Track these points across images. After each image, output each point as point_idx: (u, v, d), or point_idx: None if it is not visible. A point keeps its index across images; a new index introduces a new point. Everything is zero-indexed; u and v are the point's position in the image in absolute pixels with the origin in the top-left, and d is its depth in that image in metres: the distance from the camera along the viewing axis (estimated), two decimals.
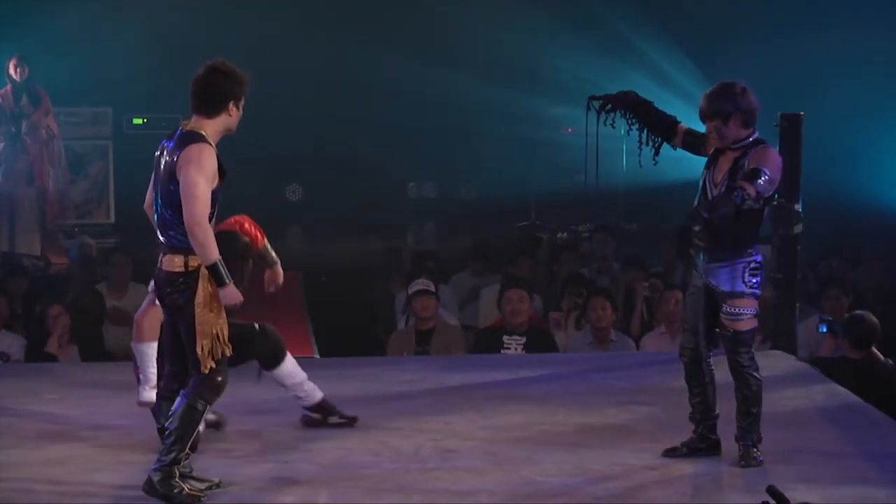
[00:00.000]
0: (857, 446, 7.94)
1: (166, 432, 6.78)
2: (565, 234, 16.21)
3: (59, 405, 8.70)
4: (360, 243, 16.12)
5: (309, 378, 8.77)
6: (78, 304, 11.46)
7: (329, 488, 7.16)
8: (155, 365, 7.82)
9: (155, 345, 7.78)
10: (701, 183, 7.48)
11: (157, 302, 7.02)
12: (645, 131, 7.54)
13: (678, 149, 7.56)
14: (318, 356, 11.40)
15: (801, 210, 10.07)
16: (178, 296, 6.74)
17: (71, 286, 12.66)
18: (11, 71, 14.58)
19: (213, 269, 6.71)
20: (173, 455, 6.71)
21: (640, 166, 7.59)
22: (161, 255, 6.81)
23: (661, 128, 7.54)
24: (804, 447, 7.88)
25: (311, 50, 17.10)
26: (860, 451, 7.84)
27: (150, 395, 7.79)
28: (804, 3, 16.78)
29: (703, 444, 7.64)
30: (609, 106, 7.49)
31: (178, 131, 6.89)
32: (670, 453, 7.65)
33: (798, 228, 10.11)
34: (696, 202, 7.47)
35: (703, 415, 7.63)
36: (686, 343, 7.64)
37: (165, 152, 6.82)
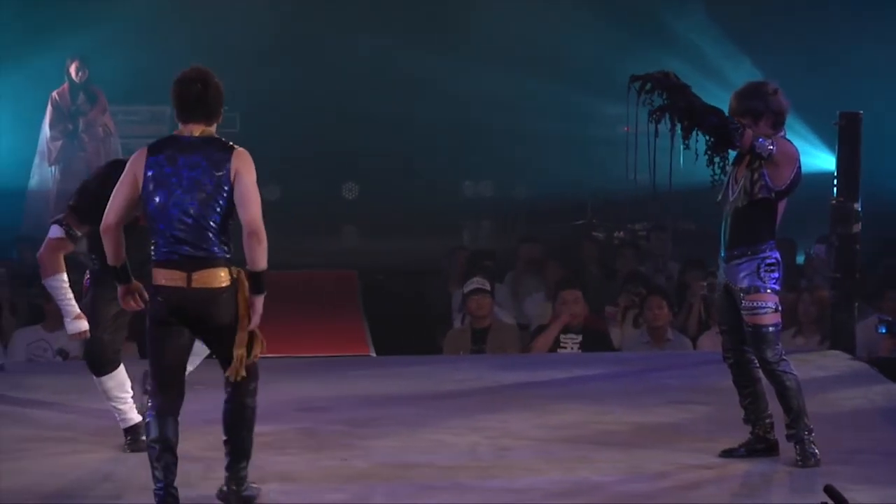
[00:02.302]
0: None
1: (232, 442, 6.66)
2: (622, 232, 16.17)
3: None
4: (416, 242, 16.15)
5: (363, 376, 8.81)
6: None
7: (384, 486, 7.19)
8: (71, 295, 7.79)
9: (63, 276, 7.74)
10: (728, 179, 7.49)
11: (160, 319, 6.58)
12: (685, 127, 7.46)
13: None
14: (374, 354, 11.43)
15: (860, 209, 10.02)
16: (224, 312, 6.53)
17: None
18: (72, 72, 14.70)
19: (262, 275, 6.60)
20: (247, 463, 6.69)
21: (680, 165, 7.57)
22: (188, 272, 6.47)
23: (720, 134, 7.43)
24: (862, 447, 7.85)
25: (366, 50, 17.14)
26: None
27: (79, 324, 7.80)
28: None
29: (760, 445, 7.61)
30: (649, 86, 7.45)
31: (188, 139, 6.59)
32: (728, 454, 7.63)
33: (857, 227, 10.05)
34: (719, 197, 7.51)
35: (757, 416, 7.61)
36: (727, 344, 7.62)
37: (199, 163, 6.53)
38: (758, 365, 7.49)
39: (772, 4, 17.09)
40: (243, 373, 6.59)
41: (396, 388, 9.41)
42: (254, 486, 6.76)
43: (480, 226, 17.30)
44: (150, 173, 6.50)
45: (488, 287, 11.25)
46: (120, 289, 6.78)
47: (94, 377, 7.85)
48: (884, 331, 10.63)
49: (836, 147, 10.12)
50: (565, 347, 10.98)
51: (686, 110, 7.28)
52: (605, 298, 12.42)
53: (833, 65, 16.27)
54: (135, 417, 7.85)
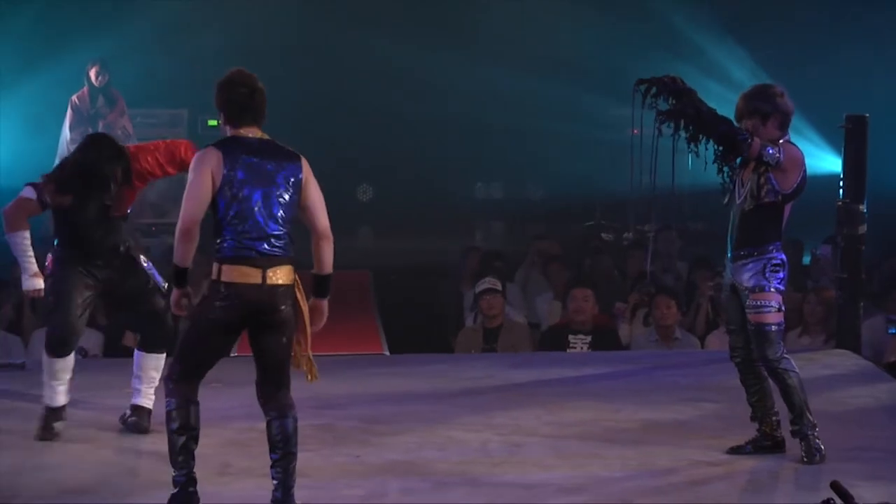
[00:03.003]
0: None
1: (291, 458, 6.57)
2: (630, 233, 16.17)
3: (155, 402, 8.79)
4: (429, 242, 16.16)
5: (377, 374, 8.79)
6: None
7: (399, 481, 7.21)
8: (31, 253, 7.95)
9: (26, 234, 7.89)
10: (734, 182, 7.52)
11: (223, 315, 6.52)
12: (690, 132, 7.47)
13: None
14: (387, 353, 11.45)
15: (865, 211, 10.03)
16: (288, 307, 6.57)
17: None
18: (92, 76, 14.73)
19: (329, 278, 6.74)
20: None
21: (681, 168, 7.60)
22: (263, 269, 6.48)
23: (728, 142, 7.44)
24: (868, 445, 7.86)
25: (381, 54, 17.16)
26: None
27: (35, 282, 7.95)
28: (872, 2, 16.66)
29: (767, 442, 7.63)
30: (654, 90, 7.47)
31: (254, 141, 6.66)
32: (735, 451, 7.65)
33: (863, 229, 10.05)
34: (725, 200, 7.53)
35: (764, 413, 7.63)
36: (734, 343, 7.65)
37: (270, 166, 6.60)
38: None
39: (779, 9, 17.07)
40: (316, 373, 6.75)
41: (410, 386, 9.43)
42: None
43: (492, 227, 17.31)
44: (227, 174, 6.51)
45: (499, 287, 11.27)
46: (177, 293, 6.67)
47: (48, 356, 7.96)
48: (893, 331, 10.64)
49: (843, 149, 10.12)
50: (575, 347, 10.99)
51: (693, 117, 7.29)
52: (614, 298, 12.43)
53: (840, 67, 16.24)
54: (63, 400, 7.99)
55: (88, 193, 7.85)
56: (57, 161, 14.67)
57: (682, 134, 7.33)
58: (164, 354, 8.03)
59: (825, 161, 15.09)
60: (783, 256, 7.47)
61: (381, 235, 17.07)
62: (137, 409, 8.08)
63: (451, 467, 7.46)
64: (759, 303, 7.39)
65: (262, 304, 6.50)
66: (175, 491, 6.55)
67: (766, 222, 7.42)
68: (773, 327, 7.41)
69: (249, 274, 6.48)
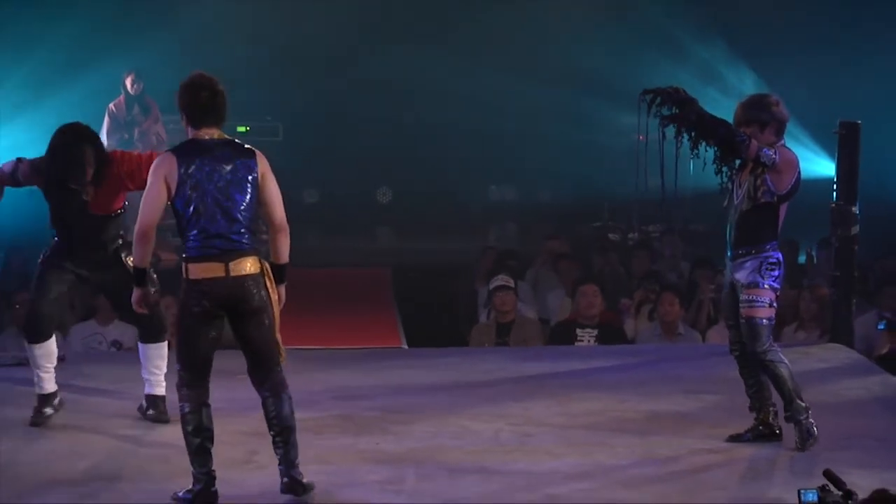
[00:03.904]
0: None
1: (288, 432, 6.61)
2: (636, 234, 16.15)
3: (165, 389, 8.78)
4: (445, 242, 16.16)
5: (396, 367, 8.74)
6: None
7: (415, 468, 7.20)
8: None
9: None
10: (732, 185, 7.49)
11: (199, 311, 6.55)
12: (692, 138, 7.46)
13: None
14: (406, 346, 11.44)
15: (858, 212, 10.00)
16: (257, 295, 6.55)
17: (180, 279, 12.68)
18: (128, 84, 14.74)
19: (285, 267, 6.72)
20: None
21: (684, 173, 7.59)
22: (226, 263, 6.49)
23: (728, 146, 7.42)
24: (860, 434, 7.83)
25: (398, 64, 17.15)
26: None
27: None
28: (863, 9, 16.55)
29: (766, 431, 7.62)
30: (659, 100, 7.46)
31: (210, 142, 6.59)
32: (735, 439, 7.64)
33: (855, 230, 10.02)
34: (725, 202, 7.51)
35: (762, 403, 7.62)
36: (733, 338, 7.64)
37: (226, 165, 6.55)
38: None
39: (776, 19, 17.02)
40: (285, 355, 6.69)
41: (427, 378, 9.41)
42: None
43: (505, 227, 17.28)
44: (182, 176, 6.49)
45: (512, 284, 11.25)
46: (138, 292, 6.78)
47: (26, 343, 8.01)
48: (882, 327, 10.60)
49: (836, 154, 10.09)
50: (582, 341, 10.97)
51: (694, 122, 7.28)
52: (620, 295, 12.41)
53: (833, 76, 16.18)
54: (51, 387, 8.02)
55: (61, 178, 7.81)
56: None
57: (685, 138, 7.31)
58: (164, 342, 8.07)
59: (820, 165, 15.04)
60: (779, 255, 7.46)
61: (399, 235, 17.06)
62: (152, 399, 8.09)
63: (466, 455, 7.45)
64: (751, 297, 7.39)
65: (230, 296, 6.52)
66: (199, 488, 6.56)
67: (763, 222, 7.41)
68: (763, 321, 7.39)
69: (213, 269, 6.51)
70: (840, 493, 4.78)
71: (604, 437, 7.82)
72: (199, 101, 6.65)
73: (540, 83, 16.87)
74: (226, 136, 6.69)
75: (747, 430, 7.65)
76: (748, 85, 16.68)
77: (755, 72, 16.80)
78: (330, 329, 11.70)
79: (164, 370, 8.01)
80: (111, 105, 14.80)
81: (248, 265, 6.54)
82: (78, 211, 7.90)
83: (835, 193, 10.02)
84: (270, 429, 6.62)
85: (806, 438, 7.38)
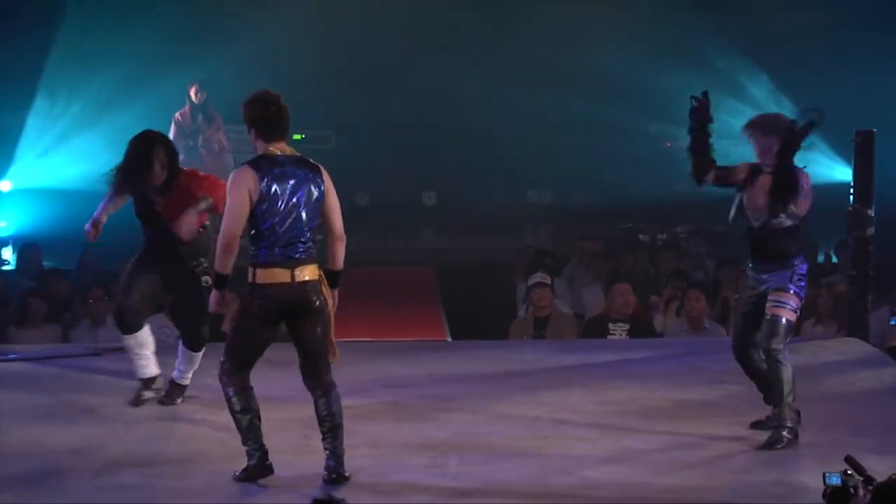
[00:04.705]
0: None
1: (338, 428, 6.60)
2: (664, 235, 16.09)
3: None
4: (486, 242, 16.16)
5: (440, 358, 8.71)
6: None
7: (458, 453, 7.19)
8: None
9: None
10: (737, 202, 7.43)
11: (263, 313, 6.58)
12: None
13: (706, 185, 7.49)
14: (449, 339, 11.44)
15: (873, 215, 9.94)
16: (318, 300, 6.58)
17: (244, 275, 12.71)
18: (192, 94, 14.79)
19: (340, 273, 6.78)
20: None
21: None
22: (291, 269, 6.51)
23: (702, 166, 7.47)
24: (875, 423, 7.78)
25: (443, 74, 17.15)
26: None
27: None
28: (879, 18, 16.41)
29: (774, 424, 7.54)
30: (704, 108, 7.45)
31: (282, 157, 6.65)
32: (756, 426, 7.59)
33: (870, 231, 9.97)
34: (731, 215, 7.45)
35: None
36: (734, 344, 7.64)
37: (297, 179, 6.59)
38: (762, 358, 7.44)
39: (792, 28, 16.90)
40: (338, 355, 6.71)
41: (469, 369, 9.41)
42: None
43: (541, 228, 17.27)
44: (263, 189, 6.51)
45: (549, 281, 11.23)
46: (216, 294, 6.75)
47: (121, 334, 8.21)
48: (894, 322, 10.55)
49: (853, 160, 10.04)
50: (614, 335, 10.94)
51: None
52: (649, 292, 12.37)
53: (849, 84, 16.04)
54: (150, 372, 8.19)
55: (132, 177, 7.96)
56: None
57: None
58: (201, 353, 8.25)
59: (837, 171, 14.94)
60: (805, 268, 7.41)
61: (444, 236, 17.06)
62: (177, 386, 8.26)
63: (504, 441, 7.44)
64: (780, 299, 7.33)
65: (293, 300, 6.55)
66: (253, 462, 6.61)
67: (792, 240, 7.36)
68: (786, 322, 7.33)
69: (279, 275, 6.53)
70: (861, 478, 4.75)
71: (634, 424, 7.80)
72: (268, 115, 6.69)
73: (575, 96, 16.83)
74: (295, 152, 6.72)
75: (767, 417, 7.60)
76: (767, 94, 16.58)
77: (775, 83, 16.69)
78: (379, 323, 11.70)
79: (193, 370, 8.27)
80: (177, 114, 14.86)
81: (310, 272, 6.57)
82: (152, 217, 8.00)
83: (851, 197, 9.97)
84: (321, 425, 6.63)
85: (773, 443, 7.28)
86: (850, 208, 10.00)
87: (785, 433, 7.28)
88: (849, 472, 4.79)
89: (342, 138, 17.45)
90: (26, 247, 14.39)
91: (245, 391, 6.64)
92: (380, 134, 17.44)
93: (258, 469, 6.61)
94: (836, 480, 4.75)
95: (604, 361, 9.65)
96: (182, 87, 15.04)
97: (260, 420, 6.65)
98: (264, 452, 6.63)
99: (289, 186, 6.55)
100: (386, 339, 10.79)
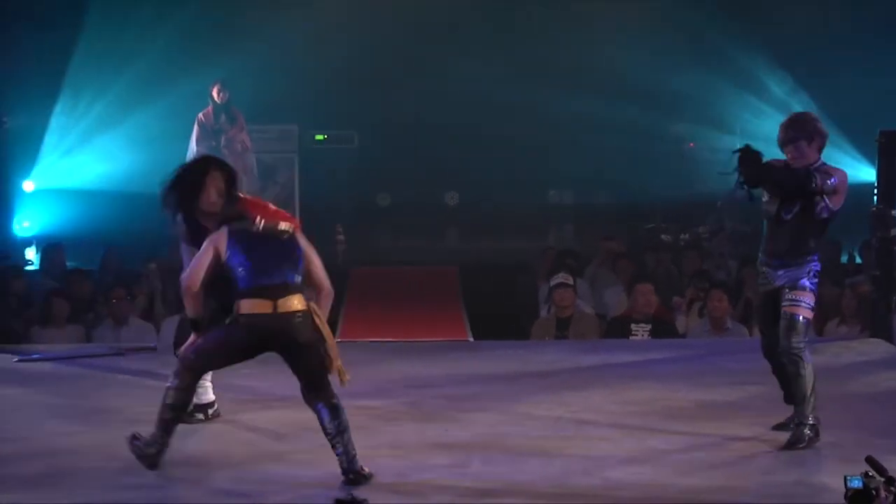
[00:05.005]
0: None
1: (343, 432, 6.61)
2: (687, 235, 16.06)
3: (252, 379, 8.84)
4: (508, 242, 16.17)
5: (462, 358, 8.67)
6: None
7: (480, 453, 7.18)
8: None
9: None
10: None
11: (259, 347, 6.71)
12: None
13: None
14: (471, 339, 11.44)
15: None
16: (308, 334, 6.63)
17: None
18: (214, 94, 14.79)
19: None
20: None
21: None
22: (274, 300, 6.59)
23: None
24: None
25: (465, 76, 17.15)
26: None
27: None
28: None
29: (795, 423, 7.53)
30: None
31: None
32: (779, 427, 7.56)
33: (894, 231, 9.93)
34: (765, 209, 7.39)
35: None
36: (766, 345, 7.56)
37: (260, 240, 6.76)
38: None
39: (816, 28, 16.83)
40: (347, 377, 6.73)
41: (491, 369, 9.41)
42: None
43: (563, 229, 17.26)
44: (235, 246, 6.72)
45: (571, 281, 11.23)
46: (194, 337, 6.87)
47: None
48: None
49: (877, 161, 10.00)
50: (637, 335, 10.93)
51: (761, 182, 7.19)
52: (672, 292, 12.35)
53: (873, 84, 15.97)
54: (207, 398, 7.88)
55: (180, 202, 7.40)
56: None
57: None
58: None
59: (861, 171, 14.89)
60: (819, 266, 7.39)
61: (466, 236, 17.07)
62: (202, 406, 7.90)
63: (527, 441, 7.43)
64: (797, 297, 7.29)
65: (277, 330, 6.61)
66: (152, 451, 6.71)
67: (816, 236, 7.32)
68: (803, 319, 7.29)
69: (262, 305, 6.60)
70: (882, 479, 4.74)
71: (656, 424, 7.79)
72: None
73: (597, 98, 16.81)
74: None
75: (789, 419, 7.57)
76: (790, 94, 16.53)
77: (796, 80, 16.64)
78: (401, 323, 11.73)
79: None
80: (200, 114, 14.87)
81: (296, 301, 6.64)
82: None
83: (875, 198, 9.93)
84: (326, 434, 6.62)
85: (797, 441, 7.26)
86: (874, 209, 9.97)
87: (806, 430, 7.25)
88: (870, 473, 4.77)
89: (365, 138, 17.48)
90: (50, 247, 14.46)
91: (187, 391, 6.74)
92: (402, 134, 17.46)
93: (151, 458, 6.71)
94: (857, 483, 4.74)
95: (626, 362, 9.64)
96: (204, 87, 15.04)
97: (177, 424, 6.75)
98: (163, 449, 6.72)
99: (265, 244, 6.74)
100: (408, 339, 10.80)
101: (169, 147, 15.42)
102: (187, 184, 7.24)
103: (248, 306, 6.62)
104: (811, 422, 7.27)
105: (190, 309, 6.80)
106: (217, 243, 6.74)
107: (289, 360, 6.70)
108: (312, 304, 6.70)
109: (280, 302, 6.60)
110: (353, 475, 6.59)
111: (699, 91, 16.99)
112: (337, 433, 6.61)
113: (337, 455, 6.62)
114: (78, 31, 16.30)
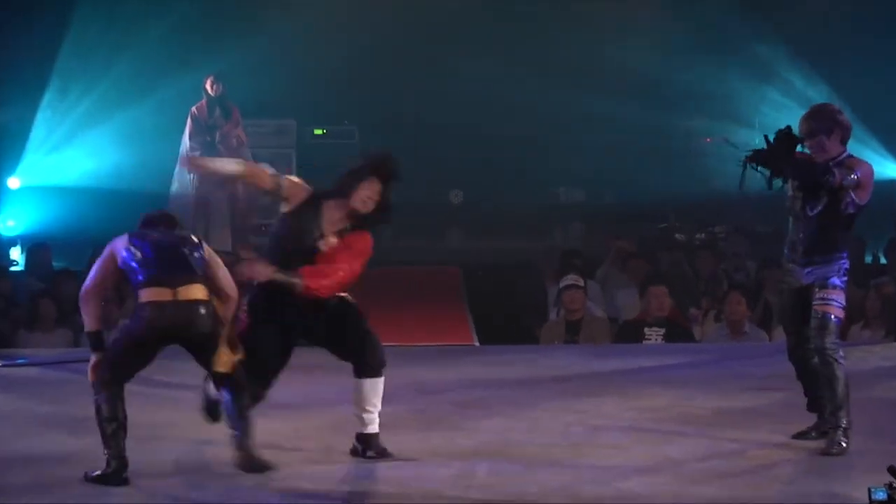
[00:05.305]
0: None
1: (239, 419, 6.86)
2: (703, 234, 16.04)
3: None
4: (514, 242, 16.16)
5: (468, 363, 8.63)
6: None
7: (487, 461, 7.17)
8: None
9: None
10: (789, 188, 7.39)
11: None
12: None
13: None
14: (477, 343, 11.44)
15: None
16: (208, 325, 6.84)
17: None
18: (208, 87, 14.81)
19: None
20: None
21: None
22: (174, 288, 6.78)
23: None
24: None
25: (469, 74, 17.17)
26: None
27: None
28: None
29: (829, 427, 7.53)
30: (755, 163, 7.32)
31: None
32: (800, 436, 7.54)
33: None
34: (790, 206, 7.38)
35: (822, 403, 7.52)
36: (792, 344, 7.51)
37: (159, 239, 6.99)
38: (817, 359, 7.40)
39: (837, 20, 16.82)
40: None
41: (498, 374, 9.41)
42: None
43: (571, 227, 17.26)
44: (132, 248, 6.88)
45: (581, 283, 11.23)
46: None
47: None
48: None
49: None
50: (650, 339, 10.92)
51: (786, 174, 7.19)
52: (687, 294, 12.33)
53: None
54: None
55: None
56: (178, 167, 14.80)
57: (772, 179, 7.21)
58: (382, 377, 7.30)
59: (887, 168, 14.87)
60: (848, 264, 7.38)
61: (470, 236, 17.07)
62: (365, 438, 7.21)
63: (536, 449, 7.42)
64: (828, 296, 7.27)
65: (177, 318, 6.76)
66: (109, 470, 6.73)
67: (843, 232, 7.32)
68: (835, 318, 7.29)
69: (162, 293, 6.75)
70: None
71: (671, 431, 7.78)
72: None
73: (608, 96, 16.80)
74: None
75: (811, 427, 7.55)
76: (810, 87, 16.50)
77: (818, 74, 16.61)
78: (403, 326, 11.71)
79: (379, 407, 7.22)
80: (193, 108, 14.88)
81: (196, 291, 6.80)
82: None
83: None
84: (227, 418, 6.88)
85: (832, 446, 7.25)
86: None
87: (840, 435, 7.24)
88: (895, 484, 4.77)
89: (366, 135, 17.47)
90: (36, 247, 14.45)
91: (115, 400, 6.77)
92: (405, 131, 17.45)
93: (113, 477, 6.72)
94: (881, 496, 4.74)
95: (639, 367, 9.64)
96: (198, 82, 15.06)
97: (125, 432, 6.78)
98: (123, 463, 6.74)
99: (162, 244, 6.92)
100: (412, 343, 10.80)
101: (160, 143, 15.45)
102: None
103: (147, 295, 6.72)
104: (844, 425, 7.26)
105: (89, 320, 6.87)
106: (114, 248, 6.87)
107: (192, 352, 6.86)
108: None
109: (181, 290, 6.73)
110: (243, 459, 6.76)
111: (712, 85, 16.99)
112: (237, 417, 6.81)
113: (233, 437, 6.82)
114: (66, 24, 16.30)
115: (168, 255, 6.82)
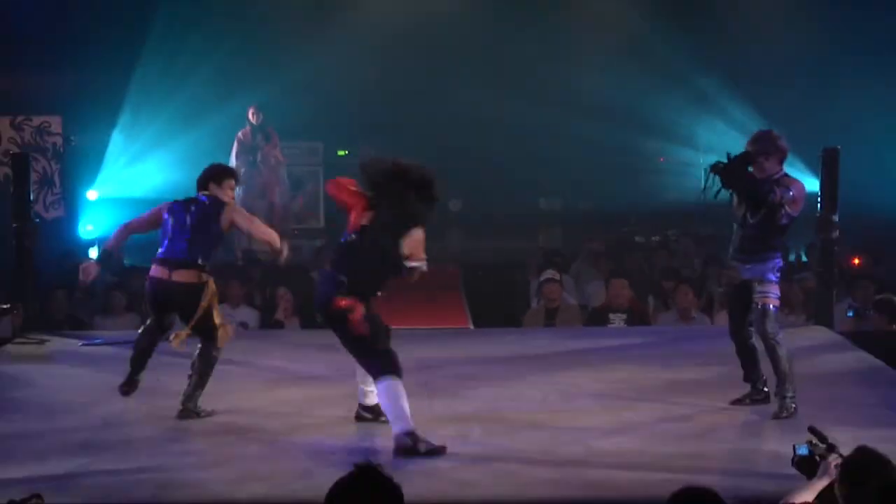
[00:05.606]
0: (880, 399, 7.81)
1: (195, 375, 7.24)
2: (658, 237, 16.03)
3: (281, 360, 8.83)
4: (505, 244, 16.14)
5: (464, 343, 8.63)
6: (300, 286, 11.55)
7: (480, 425, 7.20)
8: None
9: None
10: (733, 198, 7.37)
11: None
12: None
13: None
14: (472, 327, 11.44)
15: (837, 220, 9.90)
16: (193, 304, 7.24)
17: (294, 273, 12.73)
18: (250, 116, 14.81)
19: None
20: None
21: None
22: (169, 269, 7.23)
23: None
24: (838, 399, 7.76)
25: (465, 98, 17.13)
26: (882, 402, 7.72)
27: None
28: (844, 46, 16.26)
29: (759, 396, 7.58)
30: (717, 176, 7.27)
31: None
32: (737, 402, 7.59)
33: (835, 234, 9.94)
34: (735, 210, 7.38)
35: (755, 375, 7.58)
36: (733, 326, 7.59)
37: (180, 209, 7.59)
38: (753, 339, 7.44)
39: (768, 54, 16.82)
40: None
41: (489, 352, 9.41)
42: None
43: (552, 231, 17.24)
44: (166, 215, 7.58)
45: (558, 277, 11.22)
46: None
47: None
48: (851, 315, 10.52)
49: (820, 173, 10.02)
50: (614, 323, 10.90)
51: (738, 189, 7.19)
52: (644, 286, 12.31)
53: (816, 104, 15.95)
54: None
55: None
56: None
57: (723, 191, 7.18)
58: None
59: (807, 182, 14.81)
60: (781, 262, 7.41)
61: (468, 238, 17.05)
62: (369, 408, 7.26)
63: (521, 415, 7.44)
64: (766, 290, 7.33)
65: (166, 293, 7.10)
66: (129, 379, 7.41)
67: (778, 237, 7.36)
68: (773, 308, 7.34)
69: (160, 271, 7.16)
70: (824, 445, 4.76)
71: (632, 400, 7.80)
72: None
73: (584, 118, 16.77)
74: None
75: (745, 395, 7.60)
76: (749, 116, 16.48)
77: (752, 102, 16.59)
78: (412, 314, 11.70)
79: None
80: (239, 133, 14.90)
81: (186, 275, 7.09)
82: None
83: (819, 205, 9.93)
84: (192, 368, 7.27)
85: (781, 411, 7.29)
86: (818, 214, 9.97)
87: (788, 400, 7.28)
88: (814, 441, 4.79)
89: (375, 151, 17.42)
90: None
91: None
92: (409, 147, 17.39)
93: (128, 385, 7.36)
94: (804, 451, 4.77)
95: (605, 346, 9.64)
96: (243, 110, 15.08)
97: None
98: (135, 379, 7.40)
99: (178, 213, 7.43)
100: (418, 326, 10.79)
101: (213, 161, 15.43)
102: None
103: (152, 270, 7.25)
104: (791, 393, 7.29)
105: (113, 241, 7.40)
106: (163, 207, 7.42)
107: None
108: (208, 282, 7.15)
109: (174, 273, 7.08)
110: (185, 409, 7.13)
111: (668, 112, 17.00)
112: (194, 372, 7.21)
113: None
114: (136, 60, 16.30)
115: (176, 228, 7.16)
